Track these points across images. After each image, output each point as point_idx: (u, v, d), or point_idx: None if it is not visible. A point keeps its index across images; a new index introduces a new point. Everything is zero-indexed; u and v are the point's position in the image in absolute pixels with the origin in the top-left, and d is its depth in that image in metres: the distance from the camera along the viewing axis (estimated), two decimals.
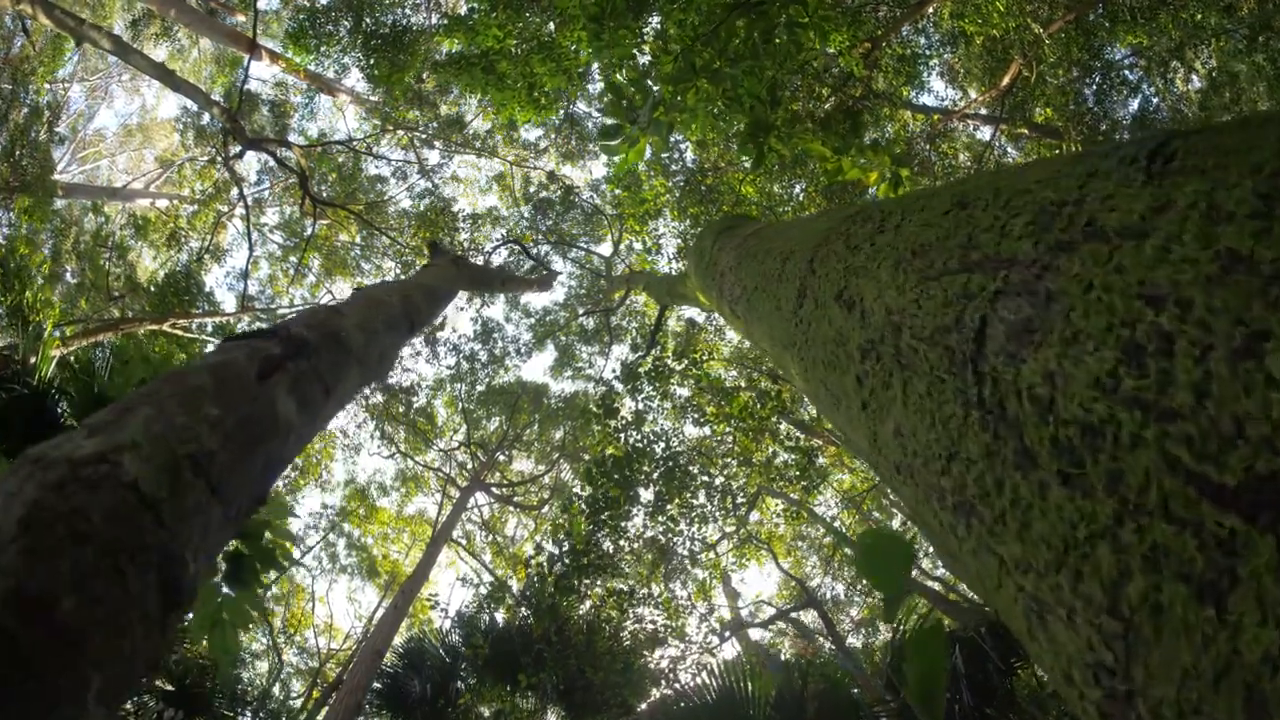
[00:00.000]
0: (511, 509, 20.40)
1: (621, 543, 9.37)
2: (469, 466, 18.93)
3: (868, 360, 1.21)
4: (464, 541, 20.07)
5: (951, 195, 1.19)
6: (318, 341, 1.21)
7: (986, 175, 1.19)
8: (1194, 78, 15.65)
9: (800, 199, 13.68)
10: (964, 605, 12.22)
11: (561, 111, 16.51)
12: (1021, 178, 1.07)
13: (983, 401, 0.90)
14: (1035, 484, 0.84)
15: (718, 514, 10.18)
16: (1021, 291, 0.87)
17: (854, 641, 17.92)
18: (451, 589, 24.01)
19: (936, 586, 14.72)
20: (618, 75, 5.40)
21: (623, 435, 9.31)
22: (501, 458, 19.93)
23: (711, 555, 10.64)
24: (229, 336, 1.09)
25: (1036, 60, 12.05)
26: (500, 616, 12.71)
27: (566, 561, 8.65)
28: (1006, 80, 13.41)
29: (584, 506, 8.71)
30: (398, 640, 14.04)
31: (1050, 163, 1.09)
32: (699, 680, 10.63)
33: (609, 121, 4.60)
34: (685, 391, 11.25)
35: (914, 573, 15.05)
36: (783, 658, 15.88)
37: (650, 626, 10.84)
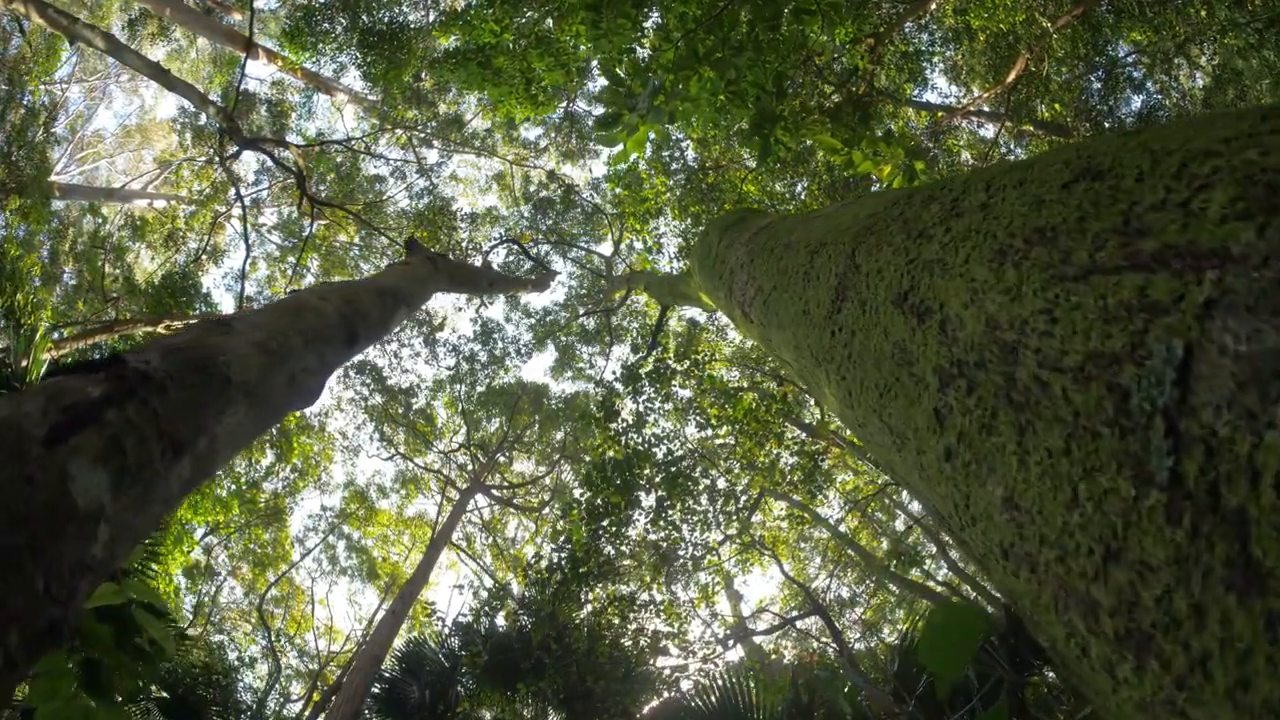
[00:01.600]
0: (512, 510, 20.06)
1: (623, 548, 9.04)
2: (469, 468, 18.60)
3: (952, 390, 0.87)
4: (464, 544, 19.74)
5: (1067, 163, 0.85)
6: (169, 374, 0.86)
7: (1117, 137, 0.85)
8: (1198, 75, 15.35)
9: (803, 198, 13.37)
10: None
11: (561, 109, 16.17)
12: (1190, 136, 0.73)
13: (1179, 479, 0.57)
14: (1262, 621, 0.52)
15: (720, 518, 9.84)
16: (1258, 305, 0.53)
17: (858, 644, 17.58)
18: (450, 597, 23.69)
19: (942, 590, 14.38)
20: (617, 69, 5.06)
21: (624, 438, 8.98)
22: (502, 459, 19.59)
23: (714, 559, 10.30)
24: (50, 370, 0.77)
25: (1045, 55, 11.70)
26: (501, 619, 12.39)
27: (566, 570, 8.31)
28: (1012, 76, 13.10)
29: (584, 514, 8.37)
30: (397, 644, 13.73)
31: (1225, 118, 0.75)
32: (702, 686, 10.31)
33: (606, 111, 4.27)
34: (687, 393, 10.92)
35: (914, 573, 14.73)
36: (785, 660, 15.56)
37: (652, 632, 10.51)
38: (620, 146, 4.29)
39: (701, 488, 9.04)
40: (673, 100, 4.45)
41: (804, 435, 12.28)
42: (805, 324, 1.50)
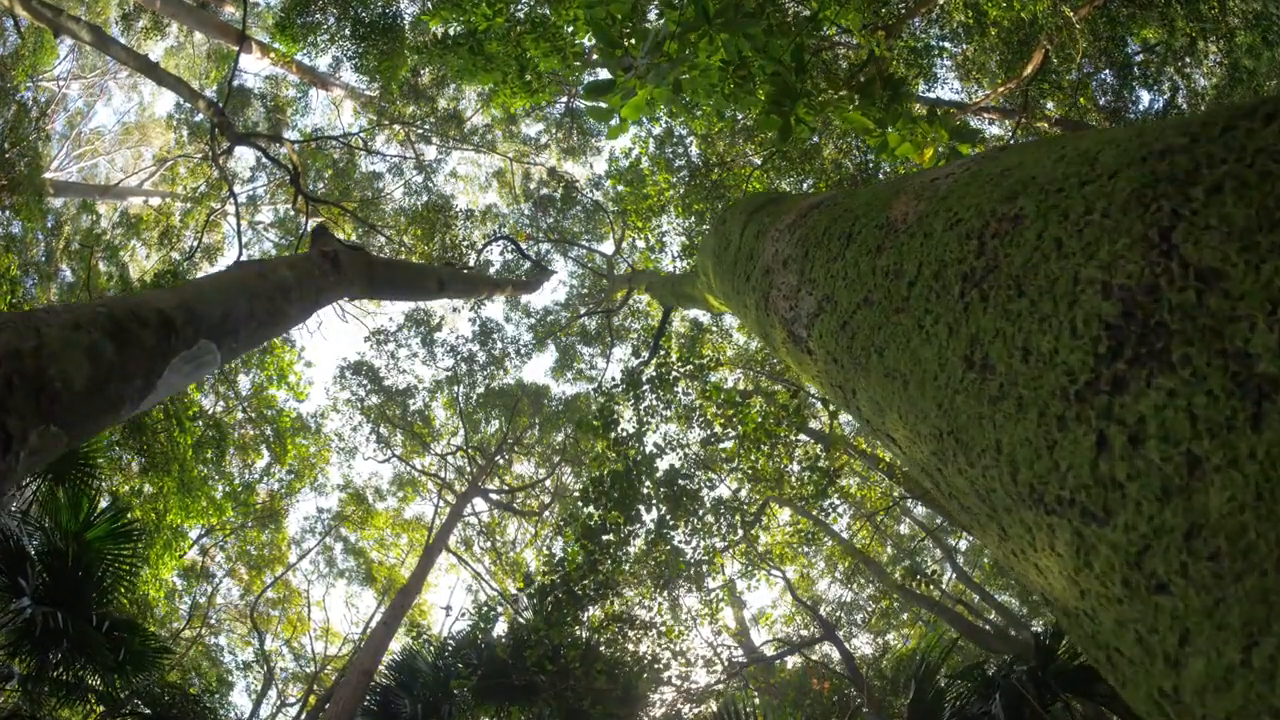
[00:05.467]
0: (511, 513, 19.22)
1: (623, 564, 8.21)
2: (468, 471, 17.77)
3: None
4: (463, 548, 18.90)
5: None
6: None
7: None
8: (1205, 72, 14.60)
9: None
10: (989, 632, 11.03)
11: (561, 104, 15.34)
12: None
13: None
14: None
15: (725, 531, 8.99)
16: None
17: (865, 648, 16.76)
18: (445, 614, 22.72)
19: (962, 610, 13.50)
20: (612, 32, 4.21)
21: (623, 448, 8.14)
22: (501, 461, 18.73)
23: (715, 568, 9.45)
24: None
25: (1070, 47, 10.87)
26: (499, 628, 11.66)
27: (560, 594, 7.49)
28: (1029, 70, 12.28)
29: (579, 532, 7.54)
30: (390, 656, 12.98)
31: None
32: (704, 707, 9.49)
33: (598, 78, 3.43)
34: (691, 395, 10.09)
35: (937, 594, 13.86)
36: (790, 665, 14.74)
37: (651, 652, 9.71)
38: (614, 121, 3.44)
39: (707, 505, 8.19)
40: (678, 66, 3.59)
41: (809, 440, 11.41)
42: (974, 393, 0.68)
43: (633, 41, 3.83)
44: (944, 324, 0.77)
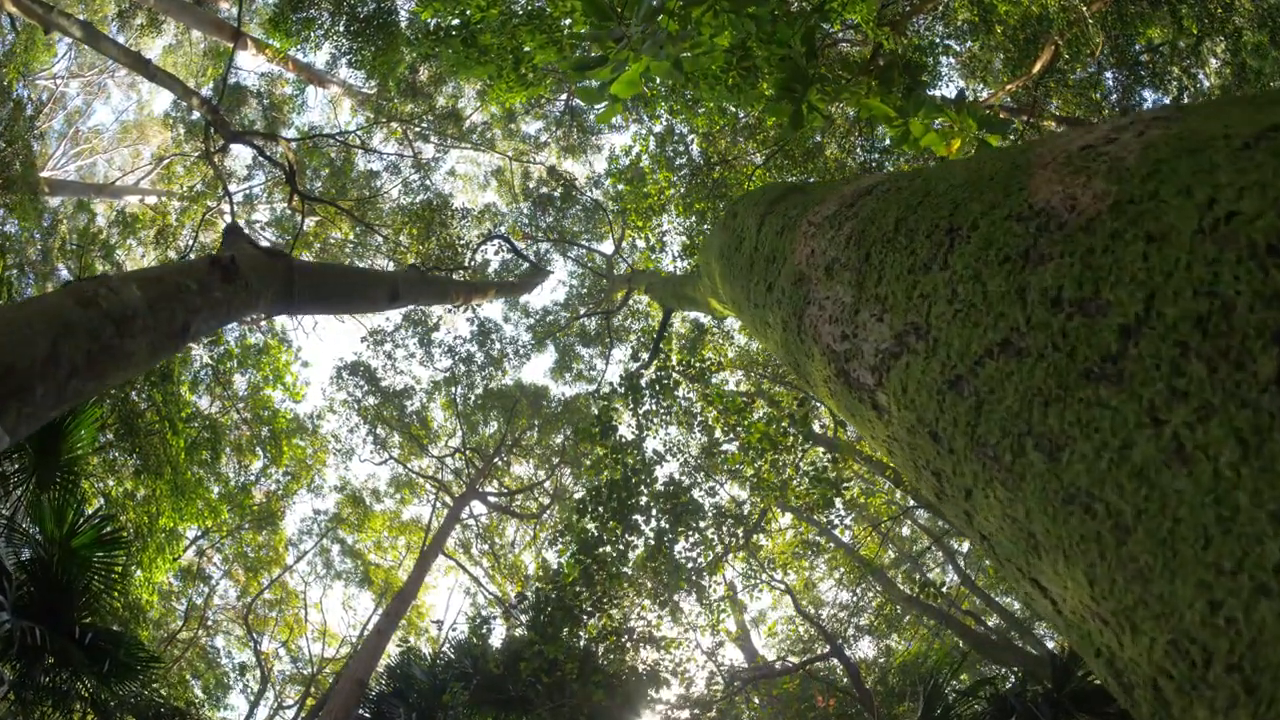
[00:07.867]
0: (510, 516, 18.76)
1: (622, 577, 7.78)
2: (466, 472, 17.31)
3: None
4: (460, 551, 18.44)
5: None
6: None
7: None
8: (1219, 73, 14.22)
9: None
10: (995, 640, 10.58)
11: (560, 102, 14.89)
12: None
13: None
14: None
15: (726, 538, 8.55)
16: None
17: (867, 651, 16.33)
18: (438, 628, 22.15)
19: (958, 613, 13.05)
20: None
21: (621, 455, 7.70)
22: (499, 463, 18.26)
23: (720, 581, 9.01)
24: None
25: (1080, 44, 10.43)
26: (500, 632, 11.28)
27: (556, 609, 7.07)
28: (1038, 67, 11.84)
29: (574, 542, 7.12)
30: (388, 655, 12.60)
31: None
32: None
33: (588, 55, 2.99)
34: (692, 398, 9.65)
35: (941, 601, 13.41)
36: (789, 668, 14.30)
37: (651, 663, 9.28)
38: (606, 103, 2.99)
39: (708, 515, 7.74)
40: (680, 43, 3.13)
41: (810, 445, 10.93)
42: None
43: (633, 32, 3.40)
44: (1228, 432, 0.33)
